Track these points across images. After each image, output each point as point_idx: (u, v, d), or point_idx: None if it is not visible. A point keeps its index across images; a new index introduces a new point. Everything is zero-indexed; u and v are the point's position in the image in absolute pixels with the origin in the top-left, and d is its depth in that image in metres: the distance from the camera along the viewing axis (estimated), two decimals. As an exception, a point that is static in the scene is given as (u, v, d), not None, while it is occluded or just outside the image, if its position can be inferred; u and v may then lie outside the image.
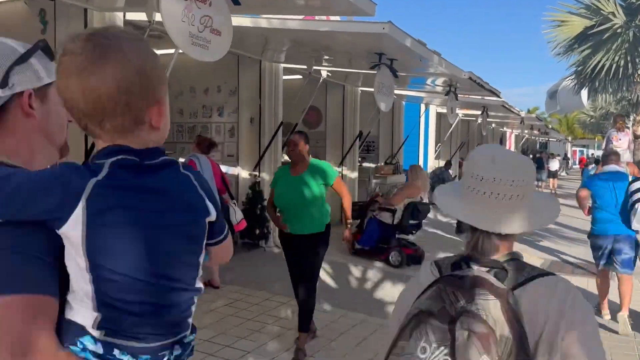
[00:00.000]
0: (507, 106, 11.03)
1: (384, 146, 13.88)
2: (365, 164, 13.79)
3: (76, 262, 0.96)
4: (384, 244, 7.83)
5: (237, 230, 5.82)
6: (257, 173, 8.16)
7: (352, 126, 11.01)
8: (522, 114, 16.09)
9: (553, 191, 22.72)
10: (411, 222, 7.84)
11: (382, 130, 13.84)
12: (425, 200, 8.58)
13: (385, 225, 7.77)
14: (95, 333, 0.97)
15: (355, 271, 7.13)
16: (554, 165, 23.86)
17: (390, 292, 6.21)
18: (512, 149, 29.05)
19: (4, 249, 0.92)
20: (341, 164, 10.94)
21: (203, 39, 3.74)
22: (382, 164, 11.74)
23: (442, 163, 16.59)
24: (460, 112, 17.60)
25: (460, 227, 8.70)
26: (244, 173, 8.22)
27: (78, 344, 0.96)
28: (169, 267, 1.05)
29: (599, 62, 8.45)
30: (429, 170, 16.48)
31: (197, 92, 8.74)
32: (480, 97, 10.49)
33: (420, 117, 16.52)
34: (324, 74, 8.09)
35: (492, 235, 1.32)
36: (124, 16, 5.38)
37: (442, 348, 1.13)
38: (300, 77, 10.20)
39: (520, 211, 1.32)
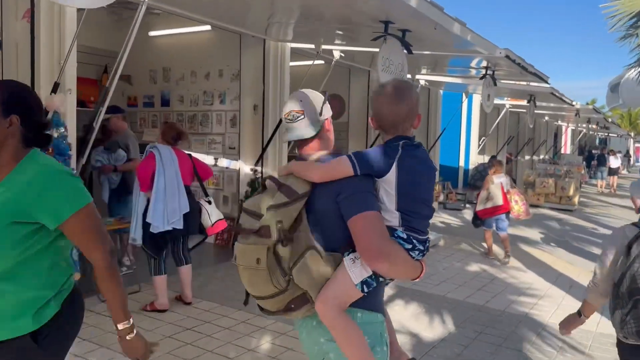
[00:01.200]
0: (557, 94, 9.57)
1: (418, 139, 12.62)
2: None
3: (387, 192, 1.80)
4: None
5: (211, 233, 4.88)
6: (259, 168, 7.20)
7: (378, 116, 9.86)
8: (578, 105, 14.43)
9: (612, 190, 20.78)
10: None
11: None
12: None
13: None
14: (400, 229, 1.80)
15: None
16: (615, 162, 21.82)
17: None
18: (568, 144, 26.91)
19: (368, 187, 1.80)
20: (365, 158, 9.83)
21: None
22: None
23: (487, 159, 15.14)
24: (508, 102, 16.08)
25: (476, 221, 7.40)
26: (245, 168, 7.28)
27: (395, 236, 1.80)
28: (428, 193, 1.88)
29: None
30: (471, 166, 15.09)
31: (197, 76, 7.85)
32: (525, 83, 9.14)
33: (461, 107, 15.16)
34: (336, 54, 7.00)
35: None
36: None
37: None
38: (322, 62, 9.18)
39: None
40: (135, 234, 4.55)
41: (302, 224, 1.76)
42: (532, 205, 14.23)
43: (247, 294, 1.93)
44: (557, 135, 25.09)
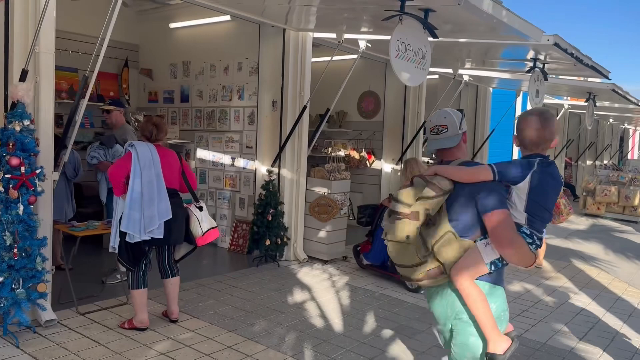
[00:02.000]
0: (620, 92, 8.40)
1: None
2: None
3: (519, 197, 2.22)
4: None
5: (202, 244, 4.30)
6: (276, 169, 6.60)
7: (415, 115, 9.07)
8: (647, 105, 13.03)
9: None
10: None
11: (463, 121, 11.66)
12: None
13: None
14: (525, 226, 2.24)
15: (351, 294, 5.34)
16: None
17: (399, 328, 4.37)
18: (636, 149, 24.86)
19: (501, 190, 2.23)
20: (400, 160, 9.07)
21: None
22: (431, 161, 9.65)
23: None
24: (567, 102, 14.80)
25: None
26: (262, 169, 6.70)
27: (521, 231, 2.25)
28: (551, 203, 2.26)
29: None
30: (524, 171, 13.95)
31: (217, 70, 7.35)
32: (582, 78, 8.10)
33: (514, 106, 14.04)
34: (362, 45, 6.31)
35: None
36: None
37: None
38: (352, 56, 8.52)
39: None
40: (115, 242, 4.05)
41: (443, 212, 2.28)
42: (592, 215, 12.96)
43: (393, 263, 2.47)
44: (623, 139, 23.21)
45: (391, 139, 9.30)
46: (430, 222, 2.26)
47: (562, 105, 14.23)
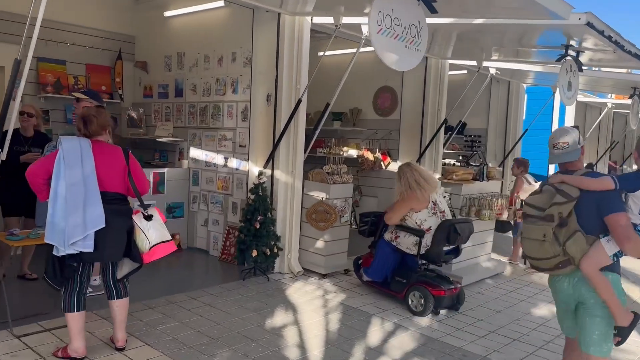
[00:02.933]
0: None
1: (495, 142, 10.74)
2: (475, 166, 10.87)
3: (635, 202, 2.85)
4: (402, 277, 5.16)
5: (148, 261, 3.62)
6: (269, 170, 5.91)
7: (435, 112, 8.22)
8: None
9: None
10: (446, 247, 5.09)
11: (493, 120, 10.71)
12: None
13: (403, 251, 5.14)
14: None
15: (343, 317, 4.57)
16: None
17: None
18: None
19: (619, 197, 2.79)
20: (417, 162, 8.22)
21: None
22: (457, 163, 8.66)
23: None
24: (611, 100, 13.56)
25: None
26: (256, 170, 6.01)
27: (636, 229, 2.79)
28: None
29: None
30: (562, 174, 12.83)
31: (211, 61, 6.71)
32: (626, 71, 7.08)
33: (553, 104, 12.93)
34: (365, 30, 5.55)
35: None
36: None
37: None
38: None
39: None
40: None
41: (572, 215, 2.77)
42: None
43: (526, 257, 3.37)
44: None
45: (409, 139, 8.47)
46: (562, 223, 2.74)
47: (605, 105, 13.03)
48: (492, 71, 7.94)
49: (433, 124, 8.22)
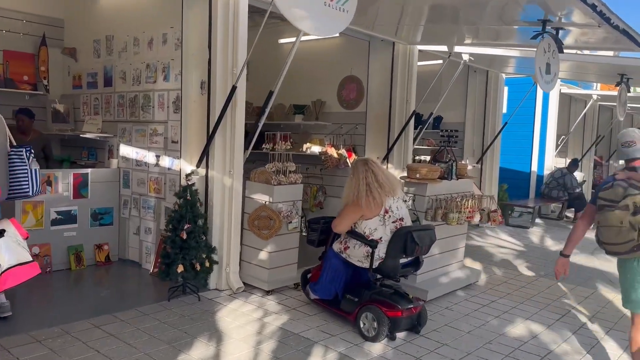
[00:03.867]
0: None
1: (473, 137, 9.99)
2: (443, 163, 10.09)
3: None
4: (354, 294, 4.35)
5: (1, 289, 2.77)
6: (202, 169, 5.07)
7: (404, 103, 7.42)
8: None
9: None
10: (403, 260, 4.28)
11: (471, 114, 9.95)
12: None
13: (354, 264, 4.33)
14: None
15: (277, 348, 3.75)
16: None
17: None
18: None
19: None
20: (385, 158, 7.43)
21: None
22: (428, 160, 7.82)
23: (567, 163, 12.11)
24: (596, 92, 12.88)
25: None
26: (188, 169, 5.16)
27: None
28: None
29: None
30: (546, 172, 12.11)
31: (141, 45, 5.85)
32: (612, 54, 6.33)
33: (535, 97, 12.21)
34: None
35: None
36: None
37: None
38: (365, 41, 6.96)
39: None
40: None
41: None
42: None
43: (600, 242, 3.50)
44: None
45: (376, 133, 7.66)
46: (636, 212, 3.22)
47: (589, 97, 12.34)
48: (465, 57, 7.15)
49: (402, 116, 7.42)
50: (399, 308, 4.17)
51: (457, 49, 6.88)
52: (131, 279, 5.55)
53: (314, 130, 8.31)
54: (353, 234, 4.35)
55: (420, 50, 8.07)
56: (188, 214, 4.66)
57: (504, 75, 9.76)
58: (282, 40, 8.65)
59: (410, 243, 4.12)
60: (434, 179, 5.34)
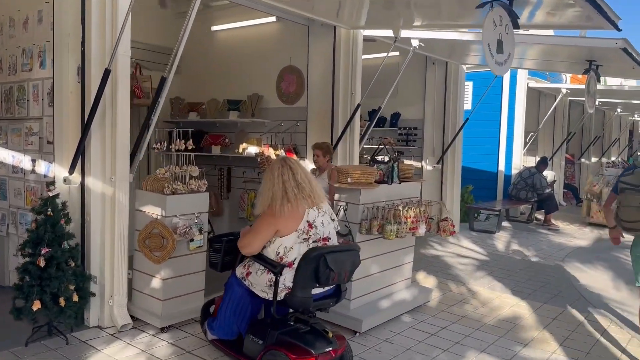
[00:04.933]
0: (635, 54, 5.54)
1: (433, 134, 9.12)
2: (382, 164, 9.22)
3: None
4: (258, 334, 3.39)
5: None
6: (75, 177, 4.05)
7: (348, 96, 6.49)
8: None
9: None
10: (318, 290, 3.32)
11: (430, 109, 9.08)
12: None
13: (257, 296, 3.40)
14: None
15: None
16: None
17: None
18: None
19: None
20: (329, 160, 6.47)
21: None
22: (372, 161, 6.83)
23: (536, 162, 11.33)
24: (565, 86, 12.16)
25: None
26: (63, 175, 4.13)
27: None
28: None
29: None
30: (514, 171, 11.33)
31: (16, 25, 4.80)
32: (579, 35, 5.48)
33: (501, 92, 11.45)
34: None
35: None
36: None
37: None
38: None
39: None
40: None
41: None
42: (598, 225, 10.33)
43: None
44: (632, 133, 20.53)
45: (318, 131, 6.70)
46: None
47: (559, 90, 11.62)
48: (415, 43, 6.25)
49: (346, 111, 6.49)
50: (312, 353, 3.21)
51: (405, 33, 5.98)
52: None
53: (252, 128, 7.34)
54: (256, 256, 3.40)
55: (373, 40, 7.21)
56: (47, 235, 3.63)
57: (464, 67, 8.91)
58: (215, 28, 7.67)
59: (323, 269, 3.17)
60: (369, 183, 4.40)
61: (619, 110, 15.56)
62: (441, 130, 8.99)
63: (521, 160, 11.62)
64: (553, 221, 10.41)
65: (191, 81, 7.98)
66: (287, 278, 3.25)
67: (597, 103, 12.87)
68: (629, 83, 12.40)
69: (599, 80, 6.37)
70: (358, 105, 6.32)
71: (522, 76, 11.26)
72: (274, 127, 7.14)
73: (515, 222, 10.64)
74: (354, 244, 3.53)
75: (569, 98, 13.04)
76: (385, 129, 9.59)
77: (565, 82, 12.79)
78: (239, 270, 3.55)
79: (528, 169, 10.78)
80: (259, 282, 3.35)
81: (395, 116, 9.51)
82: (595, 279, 6.48)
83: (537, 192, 10.35)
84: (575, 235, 9.48)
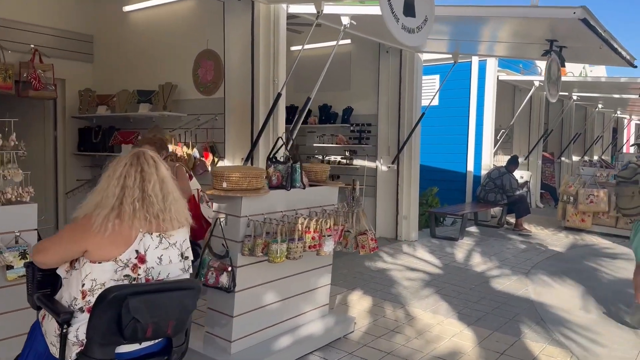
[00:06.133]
0: (598, 28, 4.46)
1: (388, 130, 8.16)
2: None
3: None
4: None
5: None
6: None
7: (269, 85, 5.50)
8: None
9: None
10: (133, 347, 2.31)
11: (384, 103, 8.12)
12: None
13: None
14: None
15: None
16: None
17: None
18: (632, 142, 21.35)
19: None
20: (247, 159, 5.49)
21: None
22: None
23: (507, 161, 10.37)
24: (539, 78, 11.24)
25: None
26: None
27: None
28: None
29: None
30: (484, 171, 10.39)
31: None
32: (531, 3, 4.54)
33: (470, 85, 10.51)
34: None
35: None
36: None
37: None
38: None
39: None
40: None
41: None
42: (574, 230, 9.41)
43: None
44: (616, 131, 19.73)
45: (238, 126, 5.70)
46: None
47: (532, 83, 10.70)
48: (345, 21, 5.26)
49: (267, 101, 5.50)
50: None
51: (331, 9, 5.00)
52: None
53: (167, 123, 6.33)
54: (40, 284, 2.40)
55: (299, 32, 6.24)
56: None
57: (421, 56, 7.96)
58: (127, 8, 6.65)
59: (127, 318, 2.16)
60: (255, 188, 3.40)
61: (600, 106, 14.71)
62: (396, 126, 8.03)
63: (491, 159, 10.67)
64: (525, 225, 9.50)
65: (104, 70, 6.96)
66: (82, 328, 2.25)
67: (576, 98, 11.99)
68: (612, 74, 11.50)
69: (563, 65, 5.42)
70: (279, 95, 5.32)
71: (492, 68, 10.33)
72: (190, 121, 6.14)
73: (484, 227, 9.70)
74: (188, 281, 2.48)
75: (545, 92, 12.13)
76: (337, 126, 8.63)
77: (540, 73, 11.86)
78: (42, 310, 2.54)
79: (497, 169, 9.86)
80: (50, 329, 2.35)
81: (348, 111, 8.54)
82: (562, 296, 5.53)
83: (507, 193, 9.44)
84: (548, 241, 8.54)
